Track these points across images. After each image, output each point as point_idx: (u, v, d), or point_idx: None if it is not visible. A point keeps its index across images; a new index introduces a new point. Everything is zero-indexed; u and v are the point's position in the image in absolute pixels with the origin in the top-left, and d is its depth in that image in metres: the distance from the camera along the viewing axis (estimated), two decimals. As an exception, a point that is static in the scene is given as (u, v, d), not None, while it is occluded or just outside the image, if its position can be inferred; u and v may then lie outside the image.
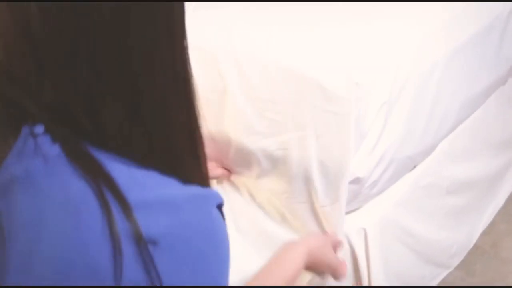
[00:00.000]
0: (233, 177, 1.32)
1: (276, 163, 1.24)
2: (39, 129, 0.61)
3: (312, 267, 1.01)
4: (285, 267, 0.97)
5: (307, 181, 1.23)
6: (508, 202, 1.88)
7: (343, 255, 1.27)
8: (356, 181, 1.20)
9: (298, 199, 1.24)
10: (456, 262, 1.65)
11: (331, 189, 1.23)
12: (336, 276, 1.04)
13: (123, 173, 0.61)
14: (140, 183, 0.62)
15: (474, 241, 1.72)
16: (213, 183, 1.41)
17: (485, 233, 1.78)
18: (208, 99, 1.23)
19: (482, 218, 1.76)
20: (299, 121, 1.20)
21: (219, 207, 0.67)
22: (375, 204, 1.31)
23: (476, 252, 1.76)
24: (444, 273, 1.61)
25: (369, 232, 1.26)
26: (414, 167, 1.38)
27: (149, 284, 0.59)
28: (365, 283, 1.27)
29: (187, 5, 0.66)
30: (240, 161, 1.27)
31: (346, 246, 1.26)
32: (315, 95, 1.17)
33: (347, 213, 1.29)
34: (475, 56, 1.47)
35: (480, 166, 1.66)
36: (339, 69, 1.18)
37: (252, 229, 1.28)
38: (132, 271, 0.58)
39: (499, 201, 1.83)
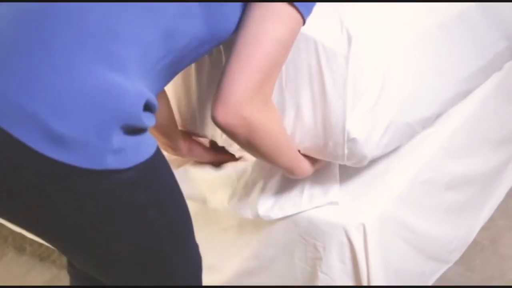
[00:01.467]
0: None
1: None
2: None
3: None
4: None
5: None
6: (508, 197, 1.88)
7: (342, 250, 1.28)
8: (353, 141, 1.18)
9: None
10: (455, 257, 1.65)
11: (327, 142, 1.21)
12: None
13: None
14: None
15: (473, 237, 1.72)
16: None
17: (484, 229, 1.79)
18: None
19: (481, 214, 1.76)
20: (294, 81, 1.19)
21: None
22: (374, 200, 1.32)
23: (475, 248, 1.76)
24: (444, 268, 1.61)
25: (368, 227, 1.26)
26: (413, 137, 1.38)
27: None
28: (364, 278, 1.27)
29: None
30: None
31: (345, 241, 1.26)
32: (310, 52, 1.16)
33: (346, 206, 1.30)
34: (481, 24, 1.45)
35: (479, 161, 1.66)
36: (334, 24, 1.16)
37: None
38: None
39: (498, 196, 1.84)
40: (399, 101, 1.24)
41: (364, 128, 1.19)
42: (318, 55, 1.15)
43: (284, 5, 0.97)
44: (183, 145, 1.38)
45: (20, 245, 2.02)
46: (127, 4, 0.88)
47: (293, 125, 1.22)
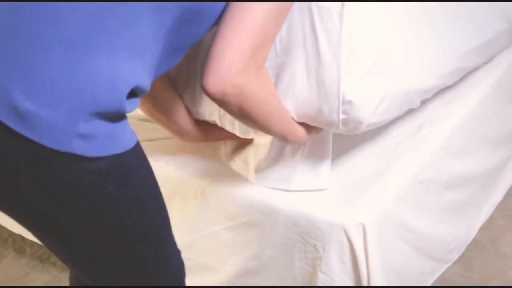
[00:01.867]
0: None
1: None
2: None
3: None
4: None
5: None
6: (507, 197, 1.88)
7: (342, 250, 1.28)
8: (348, 104, 1.16)
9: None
10: (455, 257, 1.65)
11: (322, 107, 1.19)
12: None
13: None
14: None
15: (473, 236, 1.72)
16: None
17: (484, 228, 1.79)
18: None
19: (481, 213, 1.76)
20: (288, 44, 1.17)
21: None
22: (374, 199, 1.31)
23: (475, 248, 1.76)
24: (443, 268, 1.61)
25: (368, 227, 1.26)
26: (410, 110, 1.37)
27: None
28: (364, 278, 1.27)
29: None
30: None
31: (344, 241, 1.26)
32: (304, 12, 1.13)
33: (345, 206, 1.30)
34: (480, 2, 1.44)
35: (478, 161, 1.66)
36: None
37: None
38: None
39: (498, 196, 1.83)
40: (396, 68, 1.22)
41: (360, 91, 1.16)
42: (311, 14, 1.13)
43: None
44: (196, 129, 1.35)
45: (20, 246, 2.02)
46: None
47: (287, 90, 1.19)
